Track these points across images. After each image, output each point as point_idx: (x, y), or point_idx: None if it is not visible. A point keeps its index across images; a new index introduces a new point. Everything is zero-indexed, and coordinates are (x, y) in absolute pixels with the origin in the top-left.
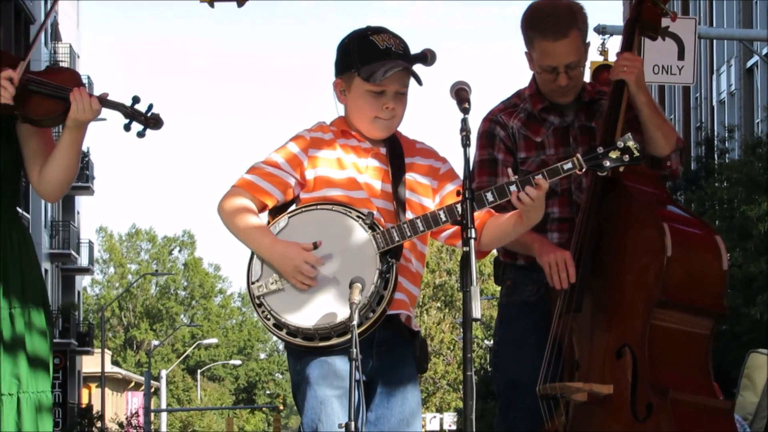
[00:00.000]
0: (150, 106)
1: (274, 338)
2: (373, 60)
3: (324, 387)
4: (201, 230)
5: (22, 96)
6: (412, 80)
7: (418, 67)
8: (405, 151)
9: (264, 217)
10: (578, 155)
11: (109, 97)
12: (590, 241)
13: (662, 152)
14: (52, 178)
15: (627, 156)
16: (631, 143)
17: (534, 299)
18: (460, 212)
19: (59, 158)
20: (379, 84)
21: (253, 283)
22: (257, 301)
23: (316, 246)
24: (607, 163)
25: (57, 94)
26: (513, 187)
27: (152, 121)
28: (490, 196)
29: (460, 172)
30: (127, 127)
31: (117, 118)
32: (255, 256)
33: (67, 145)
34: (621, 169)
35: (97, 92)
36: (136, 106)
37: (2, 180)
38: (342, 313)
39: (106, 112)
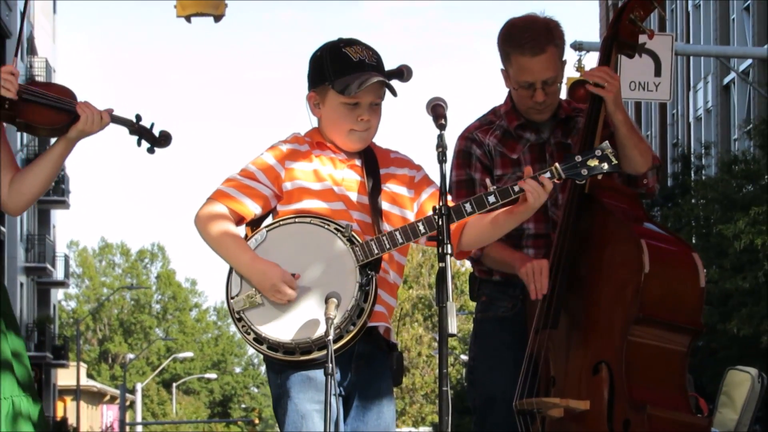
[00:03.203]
0: (152, 125)
1: (250, 352)
2: (346, 72)
3: (305, 401)
4: (173, 242)
5: (18, 104)
6: (387, 92)
7: (394, 83)
8: (380, 161)
9: (241, 230)
10: (557, 164)
11: (114, 113)
12: (567, 257)
13: (639, 170)
14: (29, 190)
15: (606, 164)
16: (609, 151)
17: (509, 315)
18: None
19: (44, 169)
20: (353, 96)
21: (232, 297)
22: (237, 316)
23: (294, 277)
24: (585, 171)
25: (61, 106)
26: (492, 198)
27: (162, 140)
28: (468, 207)
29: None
30: (138, 143)
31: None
32: (234, 270)
33: (57, 157)
34: (599, 177)
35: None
36: (141, 124)
37: None
38: (322, 326)
39: (111, 127)
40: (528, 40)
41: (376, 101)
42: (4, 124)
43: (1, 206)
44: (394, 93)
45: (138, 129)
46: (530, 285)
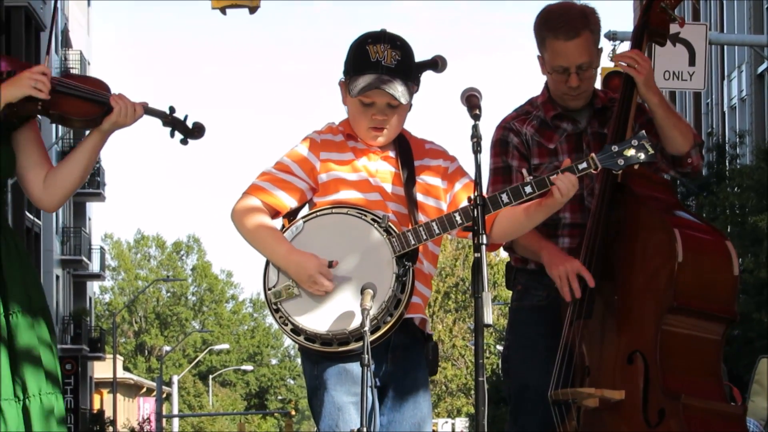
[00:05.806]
0: (186, 117)
1: (286, 344)
2: (360, 71)
3: (341, 393)
4: (209, 235)
5: (51, 95)
6: (424, 87)
7: (428, 74)
8: (414, 152)
9: (278, 222)
10: (593, 155)
11: (149, 105)
12: (600, 246)
13: (682, 150)
14: (64, 184)
15: (642, 153)
16: (645, 140)
17: (545, 304)
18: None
19: (79, 163)
20: (365, 96)
21: (269, 289)
22: (274, 307)
23: (332, 265)
24: (622, 162)
25: (94, 98)
26: (528, 188)
27: (195, 131)
28: (505, 198)
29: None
30: (172, 134)
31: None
32: (271, 262)
33: (92, 149)
34: (636, 167)
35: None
36: (174, 115)
37: (3, 187)
38: (359, 317)
39: (147, 119)
40: (563, 24)
41: (392, 102)
42: (39, 118)
43: (36, 203)
44: (397, 100)
45: (171, 120)
46: (564, 288)
